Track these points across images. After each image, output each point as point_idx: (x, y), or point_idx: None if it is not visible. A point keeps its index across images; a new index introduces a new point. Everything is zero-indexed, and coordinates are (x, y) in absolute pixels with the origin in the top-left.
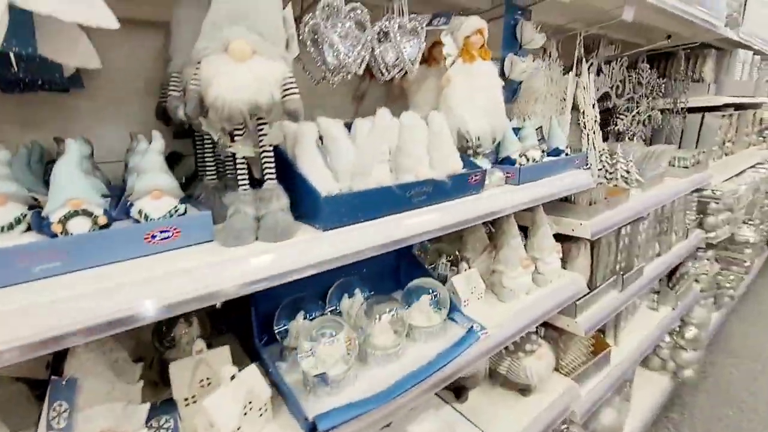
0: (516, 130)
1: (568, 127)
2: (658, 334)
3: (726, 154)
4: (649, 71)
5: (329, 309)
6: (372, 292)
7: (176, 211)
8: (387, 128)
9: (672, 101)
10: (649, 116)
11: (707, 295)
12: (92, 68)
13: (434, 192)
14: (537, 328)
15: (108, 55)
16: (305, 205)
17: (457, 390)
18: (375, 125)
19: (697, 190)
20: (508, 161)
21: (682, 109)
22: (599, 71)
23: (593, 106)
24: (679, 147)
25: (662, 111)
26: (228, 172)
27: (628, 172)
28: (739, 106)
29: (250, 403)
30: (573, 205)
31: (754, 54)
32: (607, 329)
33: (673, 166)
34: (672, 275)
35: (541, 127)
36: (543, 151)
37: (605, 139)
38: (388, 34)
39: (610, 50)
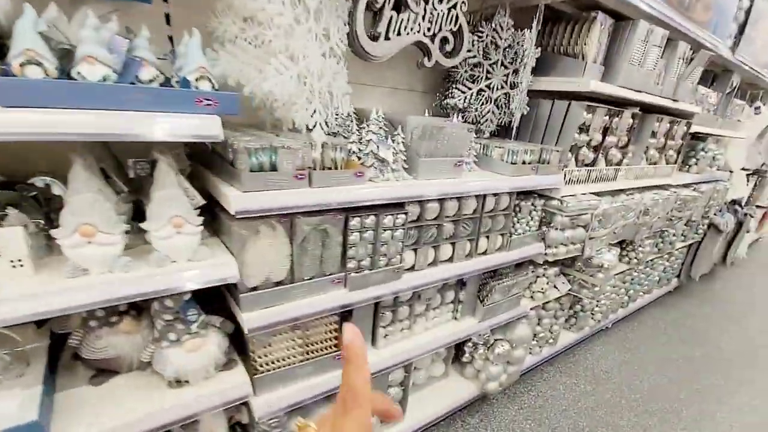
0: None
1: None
2: (446, 343)
3: (617, 163)
4: (513, 32)
5: None
6: None
7: None
8: None
9: (511, 76)
10: (507, 94)
11: (559, 315)
12: None
13: None
14: (193, 316)
15: None
16: None
17: (98, 372)
18: None
19: (545, 198)
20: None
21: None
22: (401, 5)
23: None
24: (542, 141)
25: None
26: None
27: (378, 148)
28: (648, 108)
29: None
30: (235, 170)
31: (670, 33)
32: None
33: (503, 160)
34: (483, 287)
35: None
36: (170, 78)
37: (446, 115)
38: None
39: None
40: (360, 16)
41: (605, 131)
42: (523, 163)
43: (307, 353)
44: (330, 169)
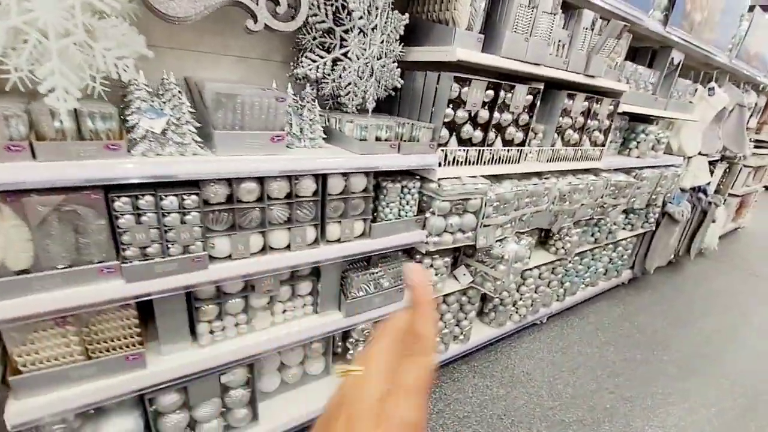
0: None
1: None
2: (304, 339)
3: (520, 144)
4: None
5: None
6: None
7: None
8: None
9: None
10: (372, 67)
11: (468, 309)
12: None
13: None
14: None
15: None
16: None
17: None
18: None
19: (426, 180)
20: None
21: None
22: None
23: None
24: (418, 117)
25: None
26: None
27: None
28: (558, 84)
29: None
30: None
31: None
32: (171, 331)
33: (354, 137)
34: (346, 279)
35: None
36: None
37: (303, 87)
38: None
39: None
40: None
41: (492, 107)
42: (377, 139)
43: (92, 352)
44: (86, 140)
